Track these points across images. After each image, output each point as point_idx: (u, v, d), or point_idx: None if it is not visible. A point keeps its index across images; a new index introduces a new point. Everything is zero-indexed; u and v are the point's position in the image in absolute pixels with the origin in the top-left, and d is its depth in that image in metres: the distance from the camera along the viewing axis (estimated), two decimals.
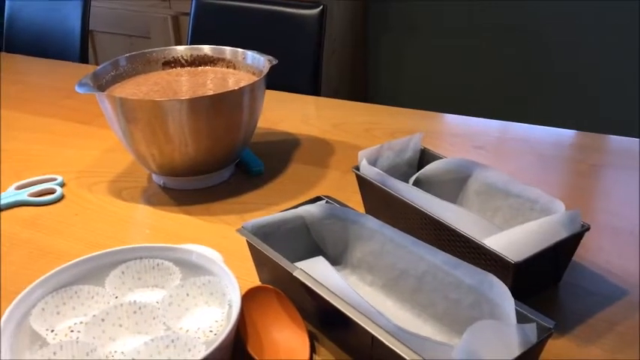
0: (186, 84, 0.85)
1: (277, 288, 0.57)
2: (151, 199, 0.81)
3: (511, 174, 0.68)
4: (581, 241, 0.59)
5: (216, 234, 0.73)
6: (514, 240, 0.56)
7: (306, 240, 0.63)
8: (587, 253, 0.66)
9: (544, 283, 0.61)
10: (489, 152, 0.93)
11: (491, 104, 2.31)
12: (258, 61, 0.87)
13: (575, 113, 2.16)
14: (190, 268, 0.59)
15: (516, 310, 0.48)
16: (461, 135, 1.00)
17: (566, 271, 0.61)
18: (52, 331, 0.54)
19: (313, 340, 0.55)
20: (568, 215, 0.57)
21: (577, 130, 0.99)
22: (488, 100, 2.32)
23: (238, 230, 0.59)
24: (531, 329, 0.46)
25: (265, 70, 0.82)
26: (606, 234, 0.70)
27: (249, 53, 0.89)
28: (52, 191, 0.81)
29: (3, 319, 0.50)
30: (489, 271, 0.51)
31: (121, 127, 0.76)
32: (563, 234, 0.56)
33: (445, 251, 0.54)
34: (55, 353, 0.49)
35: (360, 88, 2.54)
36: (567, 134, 0.99)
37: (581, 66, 2.10)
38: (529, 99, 2.25)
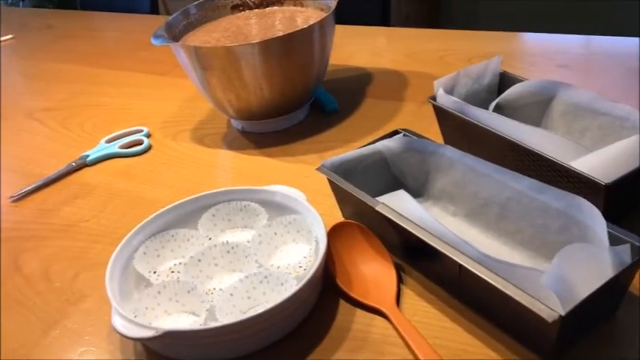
0: (256, 27, 0.86)
1: (361, 223, 0.58)
2: (231, 144, 0.83)
3: (599, 92, 0.64)
4: None
5: (297, 174, 0.74)
6: (604, 160, 0.53)
7: (387, 174, 0.64)
8: None
9: (639, 203, 0.59)
10: (574, 70, 0.89)
11: (575, 18, 2.16)
12: None
13: None
14: (275, 208, 0.61)
15: (608, 231, 0.46)
16: (542, 54, 0.96)
17: None
18: (155, 272, 0.58)
19: (400, 271, 0.56)
20: None
21: None
22: (571, 14, 2.18)
23: (318, 169, 0.60)
24: (625, 250, 0.44)
25: (333, 5, 0.81)
26: None
27: None
28: (139, 142, 0.85)
29: (110, 263, 0.54)
30: (579, 196, 0.49)
31: (197, 75, 0.78)
32: None
33: (531, 178, 0.53)
34: (159, 292, 0.53)
35: (432, 13, 2.45)
36: None
37: None
38: (614, 7, 2.10)
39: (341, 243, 0.58)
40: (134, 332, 0.47)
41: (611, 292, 0.46)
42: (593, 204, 0.48)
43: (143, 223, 0.59)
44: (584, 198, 0.49)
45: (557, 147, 0.57)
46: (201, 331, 0.47)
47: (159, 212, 0.60)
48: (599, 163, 0.53)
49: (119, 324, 0.47)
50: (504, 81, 0.72)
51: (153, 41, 0.78)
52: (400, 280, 0.55)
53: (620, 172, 0.52)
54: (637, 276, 0.47)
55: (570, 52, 0.95)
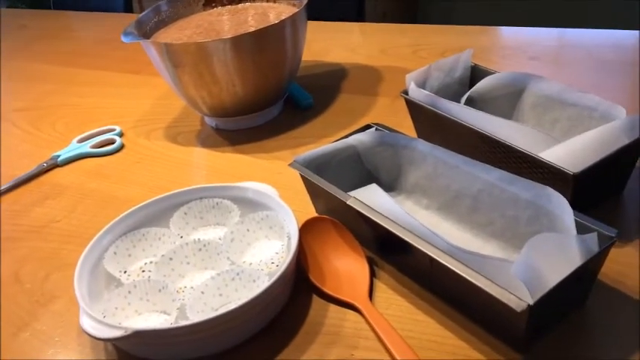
0: (228, 23, 0.85)
1: (334, 218, 0.58)
2: (205, 142, 0.82)
3: (569, 83, 0.65)
4: None
5: (270, 170, 0.74)
6: (572, 151, 0.54)
7: (360, 169, 0.63)
8: None
9: (607, 193, 0.59)
10: (545, 63, 0.89)
11: (553, 17, 2.18)
12: None
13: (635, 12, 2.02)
14: (248, 204, 0.61)
15: (576, 220, 0.47)
16: (514, 47, 0.96)
17: (630, 178, 0.59)
18: (125, 272, 0.57)
19: (372, 265, 0.56)
20: (629, 120, 0.54)
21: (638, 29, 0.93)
22: (550, 13, 2.19)
23: (290, 164, 0.60)
24: (592, 239, 0.45)
25: (304, 0, 0.80)
26: None
27: None
28: (112, 141, 0.84)
29: (79, 264, 0.53)
30: (549, 186, 0.49)
31: (169, 72, 0.77)
32: (624, 140, 0.54)
33: (502, 169, 0.53)
34: (130, 292, 0.52)
35: (409, 11, 2.45)
36: (627, 35, 0.93)
37: None
38: (590, 6, 2.12)
39: (314, 238, 0.57)
40: (103, 333, 0.46)
41: (580, 281, 0.47)
42: (562, 194, 0.48)
43: (113, 222, 0.58)
44: (554, 188, 0.49)
45: (528, 138, 0.58)
46: (170, 329, 0.47)
47: (129, 211, 0.60)
48: (567, 153, 0.54)
49: (87, 324, 0.47)
50: (476, 74, 0.72)
51: (123, 38, 0.77)
52: (373, 274, 0.55)
53: (588, 162, 0.52)
54: (605, 264, 0.48)
55: (542, 45, 0.95)
